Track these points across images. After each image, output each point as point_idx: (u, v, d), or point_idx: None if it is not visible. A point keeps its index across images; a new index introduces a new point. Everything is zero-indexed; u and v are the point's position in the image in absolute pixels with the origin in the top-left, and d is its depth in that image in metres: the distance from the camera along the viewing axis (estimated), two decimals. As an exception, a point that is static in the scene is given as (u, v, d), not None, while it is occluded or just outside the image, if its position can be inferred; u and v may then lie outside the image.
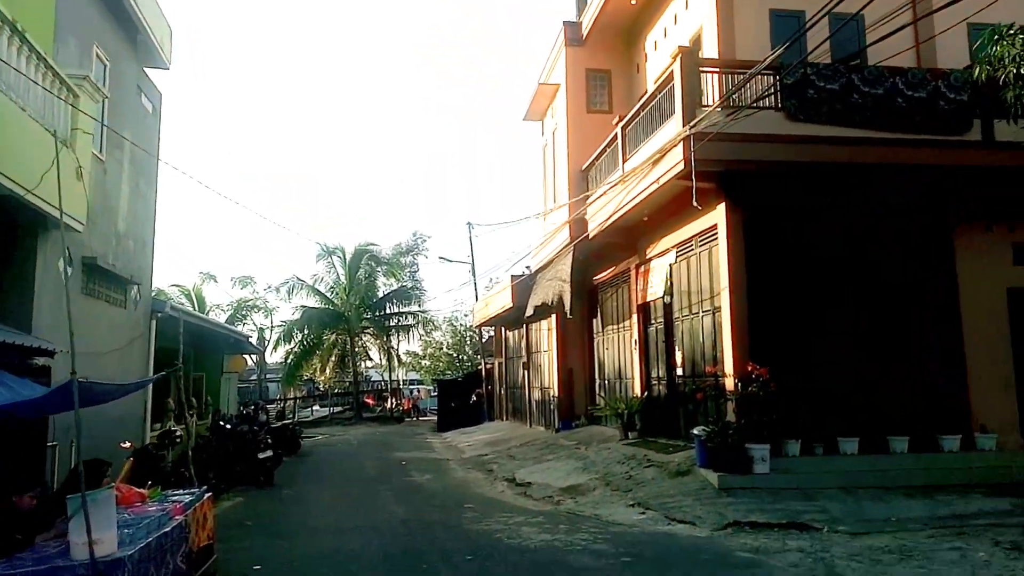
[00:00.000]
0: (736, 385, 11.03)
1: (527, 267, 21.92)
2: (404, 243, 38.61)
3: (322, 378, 42.29)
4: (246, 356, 28.31)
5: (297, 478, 15.78)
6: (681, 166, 10.62)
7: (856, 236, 11.85)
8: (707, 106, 10.89)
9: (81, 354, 10.53)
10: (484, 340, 33.45)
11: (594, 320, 19.21)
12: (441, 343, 47.23)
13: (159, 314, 13.62)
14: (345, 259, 35.99)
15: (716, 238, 11.95)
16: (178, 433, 11.07)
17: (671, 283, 13.77)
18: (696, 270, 12.93)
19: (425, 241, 38.92)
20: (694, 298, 13.02)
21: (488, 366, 31.44)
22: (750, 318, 11.33)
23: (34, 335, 8.69)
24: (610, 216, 14.20)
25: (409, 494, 12.78)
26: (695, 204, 10.51)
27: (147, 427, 12.99)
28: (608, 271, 17.48)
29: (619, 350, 17.17)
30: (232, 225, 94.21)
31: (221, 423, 17.49)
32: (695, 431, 11.18)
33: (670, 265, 13.83)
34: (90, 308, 10.84)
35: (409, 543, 8.63)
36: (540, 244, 19.12)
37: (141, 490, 6.24)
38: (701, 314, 12.72)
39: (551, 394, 20.63)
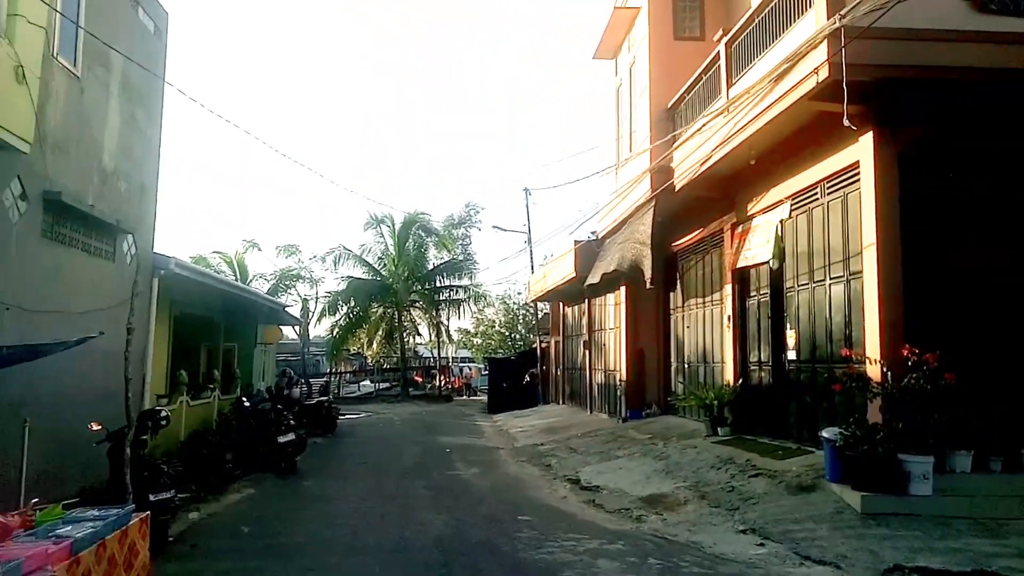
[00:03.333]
0: (884, 374, 8.23)
1: (592, 233, 19.25)
2: (456, 214, 36.24)
3: (369, 353, 40.48)
4: (284, 327, 26.43)
5: (325, 465, 13.60)
6: (825, 71, 7.79)
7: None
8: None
9: (38, 312, 8.53)
10: (540, 316, 30.91)
11: (671, 293, 16.44)
12: (493, 320, 44.92)
13: (162, 271, 11.45)
14: (394, 229, 33.82)
15: (856, 181, 9.10)
16: (163, 414, 8.85)
17: (782, 244, 10.94)
18: (822, 225, 10.07)
19: (478, 212, 36.43)
20: (817, 261, 10.17)
21: (544, 345, 28.95)
22: (905, 287, 8.48)
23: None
24: (706, 159, 11.40)
25: (451, 496, 10.38)
26: (845, 123, 7.66)
27: (144, 404, 10.86)
28: (693, 234, 14.67)
29: (704, 328, 14.39)
30: (277, 189, 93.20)
31: (243, 400, 15.48)
32: (825, 433, 8.43)
33: (781, 221, 10.98)
34: (56, 256, 8.68)
35: (442, 581, 6.19)
36: (609, 204, 16.41)
37: (11, 517, 3.94)
38: (828, 282, 9.88)
39: (617, 378, 17.99)
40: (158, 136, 12.04)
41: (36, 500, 4.42)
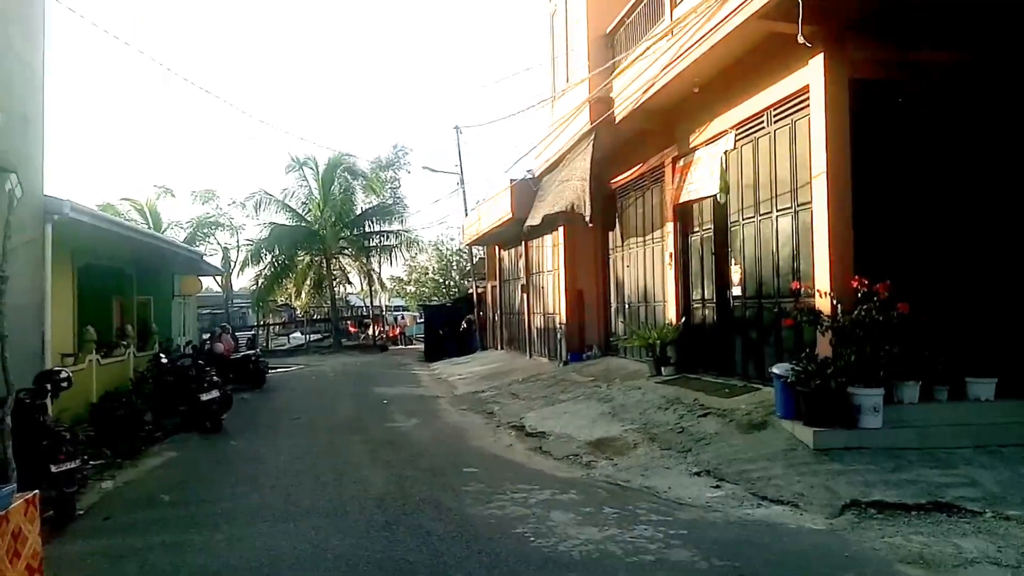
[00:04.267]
0: (834, 307, 8.03)
1: (528, 171, 18.61)
2: (384, 157, 34.86)
3: (298, 303, 39.15)
4: (204, 278, 25.06)
5: (253, 423, 12.84)
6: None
7: (1018, 110, 8.62)
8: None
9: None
10: (475, 261, 30.31)
11: (611, 233, 16.06)
12: (426, 267, 44.06)
13: (55, 216, 10.26)
14: (318, 171, 32.30)
15: (805, 107, 8.73)
16: (64, 375, 7.93)
17: (727, 176, 10.58)
18: (768, 155, 9.73)
19: (407, 154, 35.17)
20: (763, 193, 9.87)
21: (480, 290, 28.47)
22: (855, 217, 8.23)
23: None
24: (648, 87, 10.86)
25: (391, 449, 9.85)
26: (800, 39, 7.22)
27: (46, 364, 9.82)
28: (632, 170, 14.22)
29: (645, 267, 14.10)
30: (189, 129, 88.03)
31: (161, 356, 14.46)
32: (775, 369, 8.23)
33: (726, 152, 10.60)
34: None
35: (386, 547, 5.67)
36: (546, 139, 15.76)
37: None
38: (775, 214, 9.60)
39: (556, 321, 17.68)
40: (41, 61, 10.64)
41: None
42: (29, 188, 9.93)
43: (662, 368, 12.13)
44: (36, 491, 4.04)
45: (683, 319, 12.26)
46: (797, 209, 9.07)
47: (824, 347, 8.14)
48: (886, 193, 8.45)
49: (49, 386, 7.72)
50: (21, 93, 10.01)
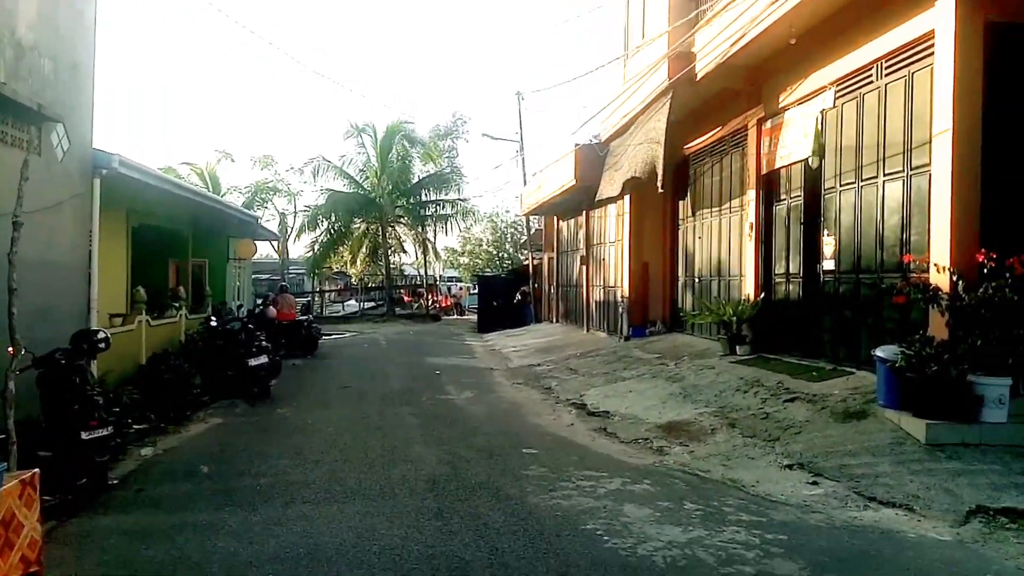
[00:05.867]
0: (954, 283, 6.97)
1: (593, 136, 17.60)
2: (443, 125, 34.13)
3: (353, 271, 39.02)
4: (262, 244, 24.90)
5: (302, 390, 12.40)
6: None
7: None
8: None
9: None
10: (531, 232, 29.47)
11: (681, 202, 15.02)
12: (480, 239, 43.37)
13: (104, 171, 9.84)
14: (376, 139, 31.79)
15: (927, 56, 7.59)
16: (101, 336, 7.46)
17: (822, 138, 9.48)
18: (876, 113, 8.60)
19: (466, 123, 34.39)
20: (867, 156, 8.75)
21: (536, 262, 27.67)
22: (984, 183, 7.11)
23: None
24: (737, 39, 9.78)
25: (443, 424, 9.21)
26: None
27: (90, 325, 9.46)
28: (709, 135, 13.13)
29: (720, 239, 13.06)
30: (251, 94, 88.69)
31: (211, 319, 14.13)
32: (880, 352, 7.21)
33: (823, 111, 9.49)
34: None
35: (438, 539, 4.98)
36: (616, 100, 14.71)
37: None
38: (882, 179, 8.49)
39: (618, 294, 16.77)
40: (92, 6, 10.17)
41: None
42: (77, 140, 9.52)
43: (737, 347, 11.17)
44: (35, 470, 3.47)
45: (763, 295, 11.25)
46: (910, 173, 7.96)
47: (938, 328, 7.10)
48: (1021, 155, 7.29)
49: (86, 346, 7.25)
50: (70, 39, 9.55)
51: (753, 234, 11.48)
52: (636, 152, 12.56)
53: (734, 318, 11.26)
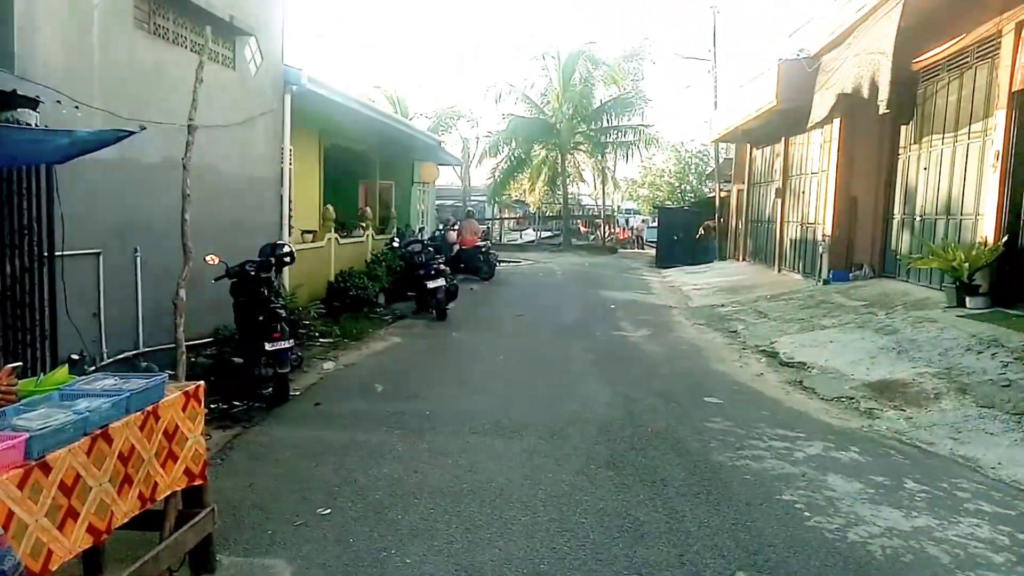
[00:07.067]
0: None
1: (800, 50, 15.66)
2: (629, 48, 32.43)
3: (531, 199, 39.01)
4: (444, 170, 25.28)
5: (477, 315, 12.40)
6: None
7: None
8: None
9: (134, 121, 5.86)
10: (720, 162, 27.56)
11: (903, 127, 12.97)
12: (663, 170, 41.49)
13: (294, 87, 10.04)
14: (560, 61, 30.90)
15: None
16: (286, 250, 7.63)
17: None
18: None
19: (653, 45, 32.46)
20: None
21: (723, 194, 25.87)
22: None
23: (17, 75, 5.30)
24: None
25: (617, 363, 8.68)
26: None
27: (283, 238, 9.85)
28: (947, 46, 11.04)
29: (953, 170, 11.13)
30: (439, 19, 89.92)
31: (394, 241, 14.50)
32: None
33: (1120, 8, 7.47)
34: (157, 54, 7.29)
35: (609, 492, 4.52)
36: (832, 3, 12.80)
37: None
38: None
39: (818, 232, 15.10)
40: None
41: (17, 364, 3.09)
42: (268, 55, 9.72)
43: (967, 298, 9.52)
44: (200, 382, 3.34)
45: (1005, 238, 9.43)
46: None
47: None
48: None
49: (273, 259, 7.44)
50: (262, -49, 9.64)
51: (999, 165, 9.58)
52: (853, 66, 10.84)
53: (966, 264, 9.56)
